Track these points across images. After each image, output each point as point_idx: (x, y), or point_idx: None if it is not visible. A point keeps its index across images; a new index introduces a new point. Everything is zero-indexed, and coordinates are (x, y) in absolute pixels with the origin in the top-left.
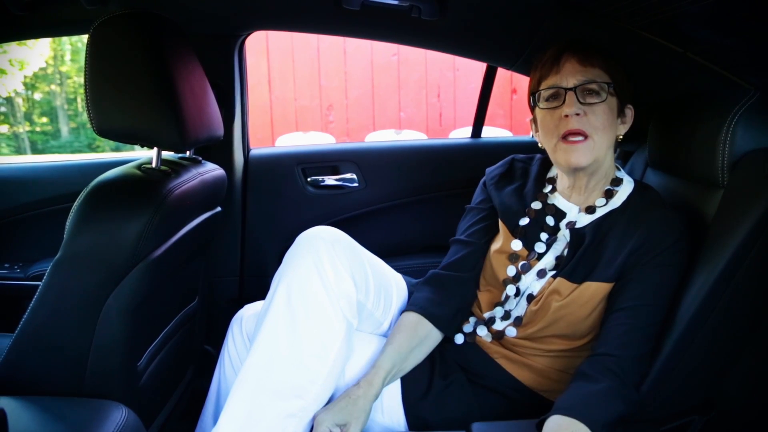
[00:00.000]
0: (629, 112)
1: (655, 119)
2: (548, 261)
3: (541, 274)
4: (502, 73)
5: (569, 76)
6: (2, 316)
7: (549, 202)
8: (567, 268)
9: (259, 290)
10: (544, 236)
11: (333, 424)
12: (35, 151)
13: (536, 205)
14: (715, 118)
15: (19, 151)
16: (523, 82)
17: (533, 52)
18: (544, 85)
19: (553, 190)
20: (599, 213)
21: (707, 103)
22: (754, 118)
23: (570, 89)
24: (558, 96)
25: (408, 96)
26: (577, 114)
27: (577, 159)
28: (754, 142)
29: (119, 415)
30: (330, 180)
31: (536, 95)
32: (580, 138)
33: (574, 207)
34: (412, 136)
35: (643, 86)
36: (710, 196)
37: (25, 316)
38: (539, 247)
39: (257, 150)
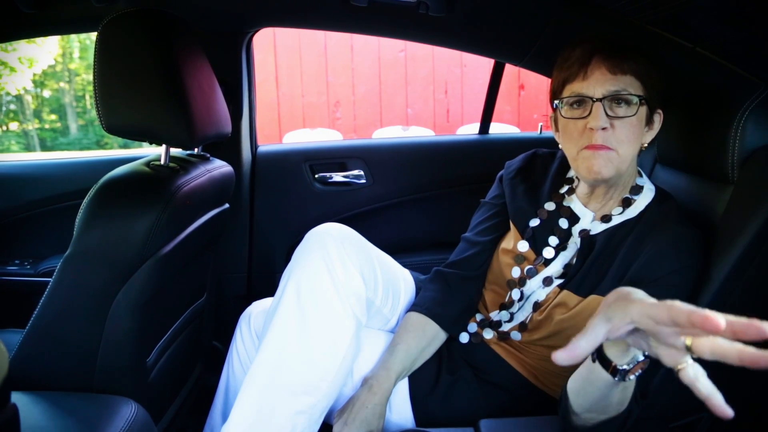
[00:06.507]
0: (658, 118)
1: (665, 115)
2: (555, 269)
3: (547, 281)
4: (509, 69)
5: (597, 85)
6: (13, 313)
7: (564, 204)
8: (574, 281)
9: (266, 286)
10: (553, 241)
11: None
12: (44, 148)
13: (550, 206)
14: (725, 114)
15: (28, 148)
16: (531, 78)
17: (541, 48)
18: (569, 91)
19: (570, 191)
20: (614, 222)
21: (717, 98)
22: (764, 114)
23: (598, 100)
24: (583, 104)
25: (415, 92)
26: (604, 128)
27: (599, 169)
28: (764, 138)
29: (129, 410)
30: (337, 177)
31: (559, 99)
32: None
33: (589, 213)
34: (420, 133)
35: None
36: (720, 192)
37: (35, 313)
38: (547, 253)
39: (265, 147)
